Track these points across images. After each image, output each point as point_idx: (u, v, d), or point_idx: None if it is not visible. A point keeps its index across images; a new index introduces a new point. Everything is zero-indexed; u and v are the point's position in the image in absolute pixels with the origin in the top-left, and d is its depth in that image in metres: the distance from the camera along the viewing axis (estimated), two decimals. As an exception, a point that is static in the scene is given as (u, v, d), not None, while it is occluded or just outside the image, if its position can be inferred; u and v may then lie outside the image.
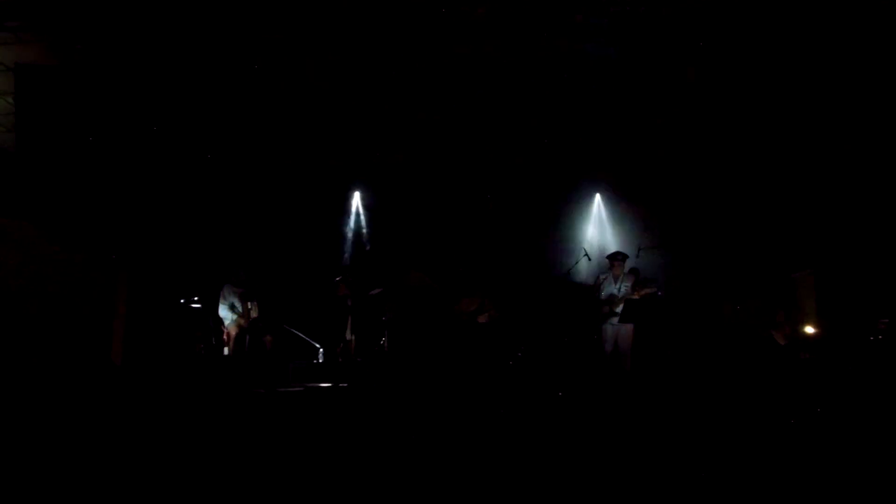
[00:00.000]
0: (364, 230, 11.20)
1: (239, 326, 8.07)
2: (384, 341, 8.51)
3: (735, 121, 9.29)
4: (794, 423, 4.96)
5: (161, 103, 8.59)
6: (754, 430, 4.86)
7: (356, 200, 11.41)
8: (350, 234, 11.15)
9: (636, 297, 7.79)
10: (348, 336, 9.29)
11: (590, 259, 9.05)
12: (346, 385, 8.09)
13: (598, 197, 11.49)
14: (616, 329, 7.77)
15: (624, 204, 11.03)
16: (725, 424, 5.11)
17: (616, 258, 8.00)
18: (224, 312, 8.14)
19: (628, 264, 8.34)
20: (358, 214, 11.41)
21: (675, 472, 3.75)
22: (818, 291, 10.32)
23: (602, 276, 7.98)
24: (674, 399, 6.83)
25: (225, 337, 8.10)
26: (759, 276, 8.00)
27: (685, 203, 10.50)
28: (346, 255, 10.81)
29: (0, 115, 8.37)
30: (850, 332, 8.83)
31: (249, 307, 8.17)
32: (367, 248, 10.92)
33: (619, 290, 7.79)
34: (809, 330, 9.44)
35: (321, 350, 9.45)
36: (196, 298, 8.67)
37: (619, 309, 7.67)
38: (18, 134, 7.80)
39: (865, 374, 7.45)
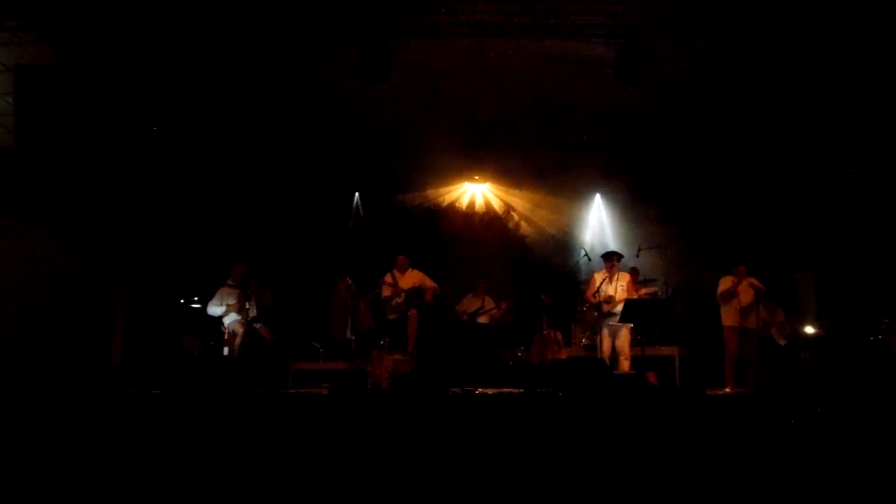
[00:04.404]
0: (365, 230, 11.20)
1: (242, 325, 8.05)
2: (384, 342, 8.51)
3: (735, 121, 9.29)
4: (794, 423, 4.96)
5: (162, 104, 8.58)
6: (754, 430, 4.86)
7: (357, 200, 11.42)
8: (351, 235, 11.15)
9: (636, 296, 7.79)
10: (348, 336, 9.29)
11: (590, 259, 9.05)
12: (346, 386, 8.08)
13: (598, 197, 11.50)
14: (614, 329, 7.77)
15: (624, 204, 11.03)
16: (725, 424, 5.10)
17: (611, 258, 7.98)
18: (217, 311, 8.10)
19: (628, 264, 8.33)
20: (359, 214, 11.42)
21: (675, 473, 3.75)
22: (818, 291, 10.33)
23: (598, 276, 7.97)
24: (673, 398, 6.82)
25: (226, 337, 8.08)
26: (759, 275, 8.02)
27: (685, 203, 10.49)
28: (347, 255, 10.80)
29: (0, 115, 8.37)
30: (850, 332, 8.83)
31: (248, 307, 8.14)
32: (369, 247, 10.92)
33: (615, 289, 7.79)
34: (809, 330, 9.45)
35: (321, 350, 9.45)
36: (196, 298, 8.66)
37: (616, 309, 7.67)
38: (18, 134, 7.78)
39: (865, 374, 7.45)
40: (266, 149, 9.96)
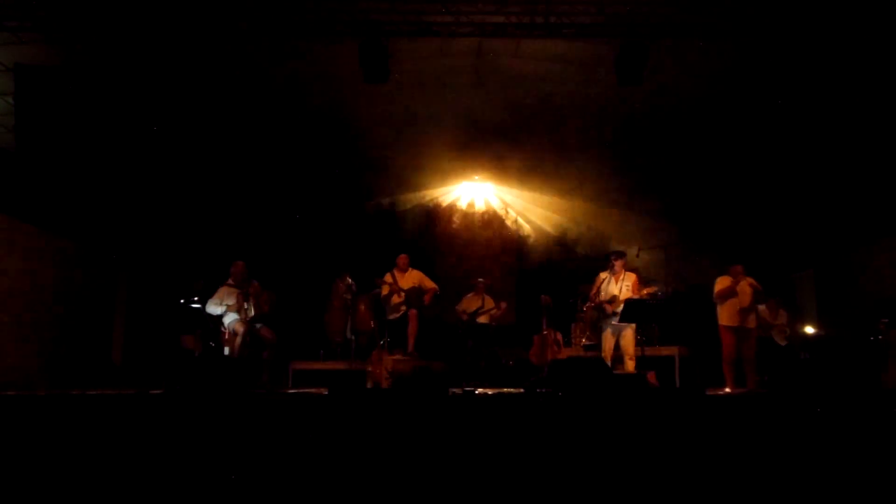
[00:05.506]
0: (365, 230, 11.19)
1: (242, 325, 8.04)
2: (384, 342, 8.51)
3: (735, 120, 9.29)
4: (794, 423, 4.96)
5: (161, 103, 8.59)
6: (754, 430, 4.86)
7: (357, 199, 11.42)
8: (351, 234, 11.14)
9: (638, 296, 7.79)
10: (348, 336, 9.29)
11: (591, 259, 9.05)
12: (346, 386, 8.07)
13: (597, 197, 11.47)
14: (618, 329, 7.76)
15: (624, 203, 11.02)
16: (725, 424, 5.10)
17: (613, 257, 7.99)
18: (217, 310, 8.09)
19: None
20: (358, 213, 11.41)
21: (675, 473, 3.75)
22: (818, 291, 10.34)
23: (602, 276, 7.96)
24: (673, 398, 6.82)
25: (226, 337, 8.08)
26: (759, 276, 8.04)
27: (685, 203, 10.49)
28: (347, 255, 10.81)
29: (0, 115, 8.37)
30: (850, 332, 8.84)
31: (246, 307, 8.12)
32: (369, 247, 10.92)
33: (619, 289, 7.78)
34: (809, 330, 9.45)
35: (321, 351, 9.45)
36: (196, 298, 8.65)
37: (619, 309, 7.66)
38: (18, 134, 7.79)
39: (865, 374, 7.45)
40: (266, 148, 9.95)
